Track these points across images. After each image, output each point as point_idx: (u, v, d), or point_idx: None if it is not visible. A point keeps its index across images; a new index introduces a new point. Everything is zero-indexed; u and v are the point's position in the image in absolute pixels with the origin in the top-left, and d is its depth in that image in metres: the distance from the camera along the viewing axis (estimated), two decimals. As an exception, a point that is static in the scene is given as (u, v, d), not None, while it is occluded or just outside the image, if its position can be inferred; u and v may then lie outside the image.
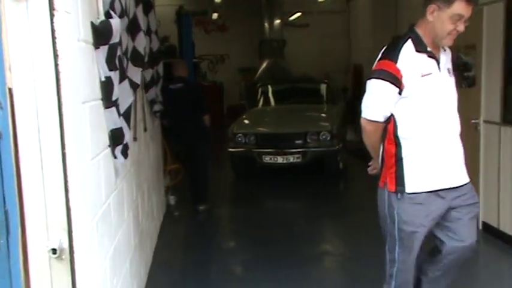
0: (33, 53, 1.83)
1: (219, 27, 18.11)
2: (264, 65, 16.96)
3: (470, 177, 5.36)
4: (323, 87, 10.09)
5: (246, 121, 8.70)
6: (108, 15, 2.69)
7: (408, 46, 2.80)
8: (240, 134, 8.05)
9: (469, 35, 5.30)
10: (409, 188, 2.83)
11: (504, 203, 4.91)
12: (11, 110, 1.92)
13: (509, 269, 4.68)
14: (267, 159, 7.86)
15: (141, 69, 3.97)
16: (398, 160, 2.85)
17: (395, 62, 2.75)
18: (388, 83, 2.76)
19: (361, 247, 5.07)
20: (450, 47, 2.97)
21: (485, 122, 5.17)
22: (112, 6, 2.79)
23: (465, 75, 5.49)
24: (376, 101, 2.85)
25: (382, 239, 3.05)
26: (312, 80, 11.78)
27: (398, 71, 2.74)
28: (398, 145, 2.85)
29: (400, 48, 2.78)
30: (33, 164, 1.89)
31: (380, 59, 2.87)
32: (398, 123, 2.85)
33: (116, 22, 2.70)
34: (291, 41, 17.57)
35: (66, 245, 1.90)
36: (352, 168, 8.78)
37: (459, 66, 5.60)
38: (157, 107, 5.63)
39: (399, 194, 2.84)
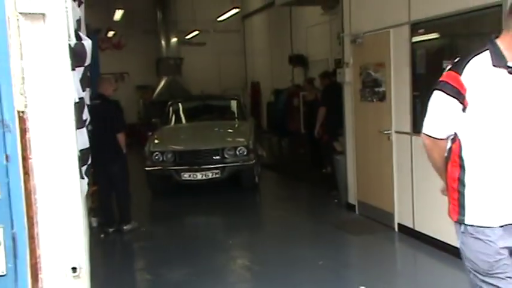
0: (49, 74, 1.86)
1: (115, 45, 17.80)
2: (162, 82, 16.97)
3: (385, 183, 5.92)
4: (233, 103, 10.29)
5: (162, 139, 8.64)
6: (77, 37, 2.72)
7: (482, 59, 2.41)
8: (157, 152, 8.03)
9: (378, 54, 5.91)
10: (469, 219, 2.47)
11: (418, 205, 5.48)
12: (20, 132, 1.92)
13: (422, 261, 5.24)
14: (186, 176, 7.91)
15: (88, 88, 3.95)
16: (461, 185, 2.49)
17: (460, 75, 2.40)
18: (449, 97, 2.44)
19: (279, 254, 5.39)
20: None
21: (397, 132, 5.74)
22: (78, 27, 2.82)
23: (375, 90, 6.06)
24: (436, 115, 2.54)
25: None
26: (222, 97, 12.09)
27: (462, 85, 2.39)
28: (462, 168, 2.48)
29: (469, 61, 2.41)
30: (46, 187, 1.90)
31: (448, 70, 2.54)
32: (462, 144, 2.47)
33: (88, 43, 2.73)
34: (188, 59, 17.76)
35: (83, 263, 1.93)
36: (265, 181, 9.14)
37: (370, 82, 6.18)
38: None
39: (462, 226, 2.51)
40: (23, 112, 1.92)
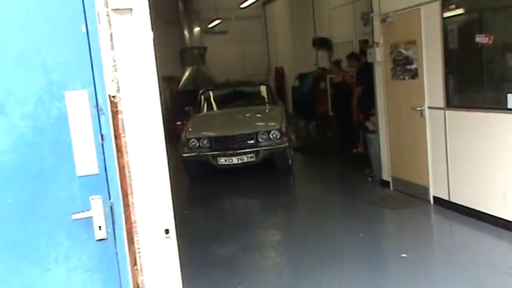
0: (137, 62, 2.11)
1: (139, 37, 18.10)
2: (187, 72, 17.23)
3: (419, 158, 6.08)
4: (263, 88, 10.47)
5: (197, 126, 8.86)
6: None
7: None
8: (193, 139, 8.28)
9: (409, 32, 6.05)
10: None
11: (452, 177, 5.64)
12: (112, 115, 2.18)
13: (459, 230, 5.43)
14: (222, 160, 8.15)
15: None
16: None
17: None
18: None
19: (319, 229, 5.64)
20: None
21: (430, 108, 5.89)
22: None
23: (407, 68, 6.21)
24: None
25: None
26: (252, 83, 12.21)
27: None
28: None
29: None
30: (137, 162, 2.16)
31: None
32: None
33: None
34: (211, 48, 17.98)
35: (172, 226, 2.19)
36: (296, 163, 9.37)
37: (401, 60, 6.33)
38: None
39: None
40: (114, 97, 2.17)
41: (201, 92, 10.34)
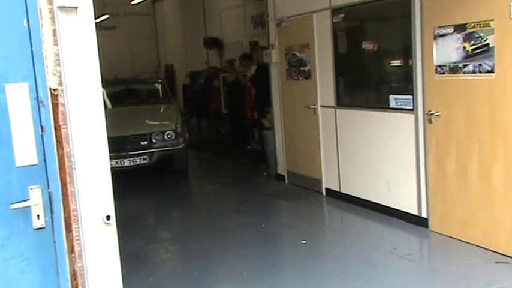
0: (81, 58, 2.20)
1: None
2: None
3: (312, 153, 6.59)
4: (158, 86, 10.09)
5: None
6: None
7: None
8: None
9: (303, 36, 6.54)
10: None
11: (342, 170, 6.20)
12: (52, 107, 2.25)
13: (348, 217, 6.01)
14: (112, 163, 7.84)
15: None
16: None
17: None
18: None
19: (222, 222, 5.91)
20: None
21: (322, 106, 6.41)
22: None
23: (301, 69, 6.69)
24: None
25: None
26: (146, 80, 11.76)
27: None
28: None
29: None
30: (76, 153, 2.25)
31: None
32: None
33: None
34: (99, 43, 17.46)
35: (113, 213, 2.31)
36: (191, 160, 9.35)
37: (295, 62, 6.80)
38: None
39: None
40: (55, 90, 2.25)
41: None
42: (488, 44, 4.17)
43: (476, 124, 4.41)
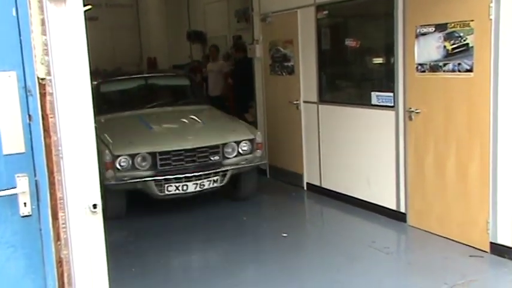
0: (70, 48, 2.23)
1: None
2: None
3: (295, 148, 6.65)
4: (186, 82, 7.78)
5: (121, 137, 5.76)
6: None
7: None
8: (124, 157, 5.37)
9: (287, 32, 6.60)
10: None
11: (324, 166, 6.29)
12: (40, 96, 2.27)
13: (328, 211, 6.11)
14: (171, 189, 5.48)
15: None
16: None
17: None
18: None
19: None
20: None
21: (305, 102, 6.48)
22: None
23: (285, 64, 6.75)
24: None
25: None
26: (169, 74, 8.85)
27: None
28: None
29: None
30: (64, 142, 2.28)
31: None
32: None
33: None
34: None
35: (99, 202, 2.35)
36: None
37: (279, 57, 6.86)
38: None
39: None
40: (43, 79, 2.27)
41: (96, 84, 6.73)
42: (467, 43, 4.28)
43: (455, 122, 4.52)
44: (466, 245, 4.52)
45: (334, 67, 6.23)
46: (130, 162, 5.40)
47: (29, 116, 2.27)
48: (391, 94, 5.13)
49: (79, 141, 2.31)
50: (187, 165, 5.58)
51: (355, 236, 5.06)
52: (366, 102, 5.51)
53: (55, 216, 2.36)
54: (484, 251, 4.38)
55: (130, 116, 6.50)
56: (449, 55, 4.46)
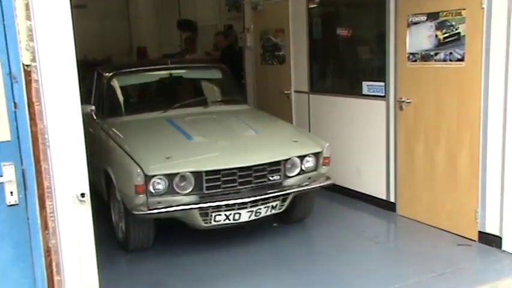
0: (55, 34, 2.19)
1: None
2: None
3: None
4: (219, 75, 6.03)
5: (153, 150, 4.33)
6: None
7: None
8: (159, 178, 4.05)
9: (278, 21, 6.56)
10: None
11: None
12: (25, 83, 2.23)
13: (322, 203, 6.03)
14: (219, 218, 4.26)
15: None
16: None
17: None
18: None
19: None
20: None
21: (296, 91, 6.46)
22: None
23: (276, 54, 6.71)
24: None
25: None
26: (198, 65, 6.68)
27: None
28: None
29: None
30: (51, 129, 2.25)
31: None
32: None
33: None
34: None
35: (87, 191, 2.32)
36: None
37: (270, 46, 6.82)
38: None
39: None
40: (28, 66, 2.23)
41: (107, 75, 5.48)
42: (459, 32, 4.27)
43: (445, 111, 4.52)
44: (455, 234, 4.54)
45: (326, 57, 6.20)
46: (167, 184, 4.07)
47: (15, 103, 2.24)
48: (382, 84, 5.12)
49: (66, 129, 2.28)
50: (241, 187, 4.27)
51: (345, 226, 5.06)
52: (357, 92, 5.50)
53: (42, 205, 2.33)
54: (472, 240, 4.40)
55: (157, 120, 5.08)
56: (440, 44, 4.45)
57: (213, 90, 6.15)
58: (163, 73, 5.90)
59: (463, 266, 4.08)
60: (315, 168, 4.65)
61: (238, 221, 4.35)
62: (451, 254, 4.28)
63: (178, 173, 4.11)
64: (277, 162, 4.41)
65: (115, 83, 5.50)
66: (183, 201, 4.16)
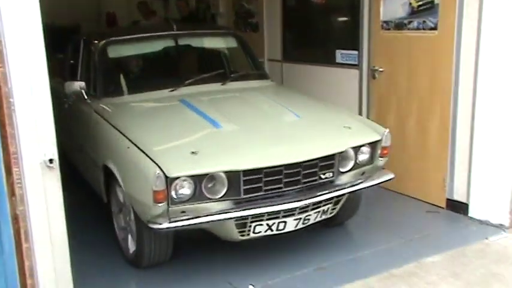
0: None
1: None
2: None
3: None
4: (233, 44, 5.10)
5: (177, 142, 3.44)
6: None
7: None
8: (185, 180, 3.12)
9: (252, -13, 6.43)
10: None
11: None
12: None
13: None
14: (260, 229, 3.39)
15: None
16: None
17: None
18: None
19: None
20: None
21: (269, 60, 6.40)
22: None
23: (249, 21, 6.61)
24: None
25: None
26: (210, 31, 5.47)
27: None
28: None
29: None
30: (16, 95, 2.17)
31: None
32: None
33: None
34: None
35: (56, 157, 2.26)
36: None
37: (243, 13, 6.72)
38: None
39: None
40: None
41: (99, 44, 4.45)
42: (433, 1, 4.26)
43: (417, 80, 4.55)
44: (424, 201, 4.64)
45: (300, 24, 6.13)
46: (194, 188, 3.11)
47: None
48: (356, 52, 5.11)
49: (32, 93, 2.20)
50: (287, 189, 3.33)
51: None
52: (331, 61, 5.48)
53: (9, 172, 2.27)
54: (441, 207, 4.50)
55: (168, 100, 4.14)
56: (414, 12, 4.44)
57: (228, 63, 5.12)
58: (168, 42, 4.73)
59: (431, 232, 4.17)
60: (371, 160, 3.73)
61: (282, 231, 3.45)
62: (419, 221, 4.37)
63: (208, 174, 3.13)
64: (331, 156, 3.45)
65: (110, 54, 4.47)
66: (214, 209, 3.17)
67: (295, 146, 3.44)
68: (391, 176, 3.88)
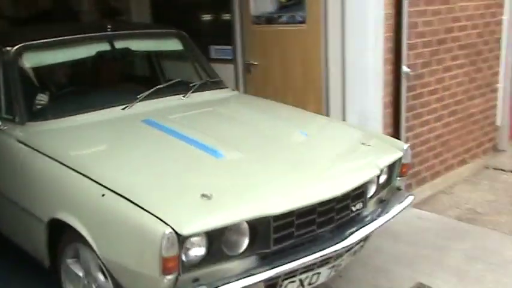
0: None
1: None
2: None
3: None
4: (179, 46, 4.24)
5: (174, 184, 2.44)
6: None
7: None
8: (198, 237, 2.18)
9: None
10: None
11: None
12: None
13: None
14: (291, 286, 2.61)
15: None
16: None
17: None
18: None
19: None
20: None
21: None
22: None
23: (116, 19, 6.38)
24: None
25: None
26: (149, 31, 4.42)
27: None
28: None
29: None
30: None
31: None
32: None
33: None
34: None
35: None
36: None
37: (109, 11, 6.48)
38: None
39: None
40: None
41: (10, 51, 3.30)
42: (300, -4, 4.44)
43: (291, 73, 4.72)
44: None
45: (170, 22, 6.02)
46: (209, 244, 2.25)
47: None
48: (230, 47, 5.16)
49: None
50: (320, 230, 2.61)
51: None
52: (205, 56, 5.47)
53: None
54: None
55: (128, 123, 3.22)
56: (283, 7, 4.59)
57: (178, 70, 4.32)
58: (102, 45, 3.75)
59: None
60: (388, 181, 3.07)
61: (314, 285, 2.72)
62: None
63: (230, 224, 2.27)
64: (360, 188, 2.74)
65: (25, 63, 3.37)
66: (236, 270, 2.34)
67: (325, 177, 2.70)
68: (412, 196, 3.16)
